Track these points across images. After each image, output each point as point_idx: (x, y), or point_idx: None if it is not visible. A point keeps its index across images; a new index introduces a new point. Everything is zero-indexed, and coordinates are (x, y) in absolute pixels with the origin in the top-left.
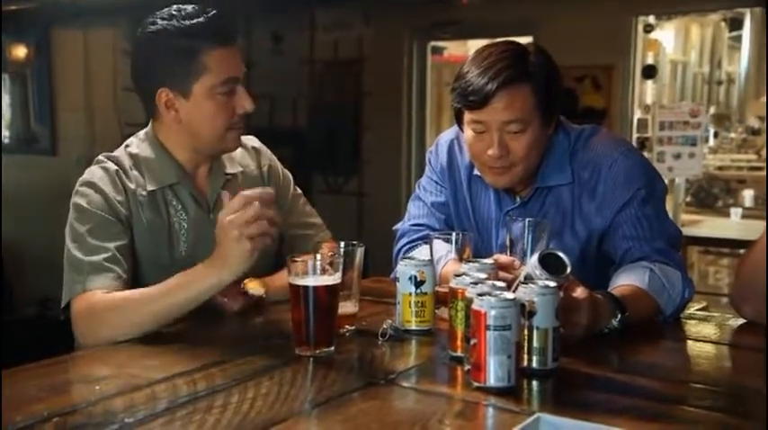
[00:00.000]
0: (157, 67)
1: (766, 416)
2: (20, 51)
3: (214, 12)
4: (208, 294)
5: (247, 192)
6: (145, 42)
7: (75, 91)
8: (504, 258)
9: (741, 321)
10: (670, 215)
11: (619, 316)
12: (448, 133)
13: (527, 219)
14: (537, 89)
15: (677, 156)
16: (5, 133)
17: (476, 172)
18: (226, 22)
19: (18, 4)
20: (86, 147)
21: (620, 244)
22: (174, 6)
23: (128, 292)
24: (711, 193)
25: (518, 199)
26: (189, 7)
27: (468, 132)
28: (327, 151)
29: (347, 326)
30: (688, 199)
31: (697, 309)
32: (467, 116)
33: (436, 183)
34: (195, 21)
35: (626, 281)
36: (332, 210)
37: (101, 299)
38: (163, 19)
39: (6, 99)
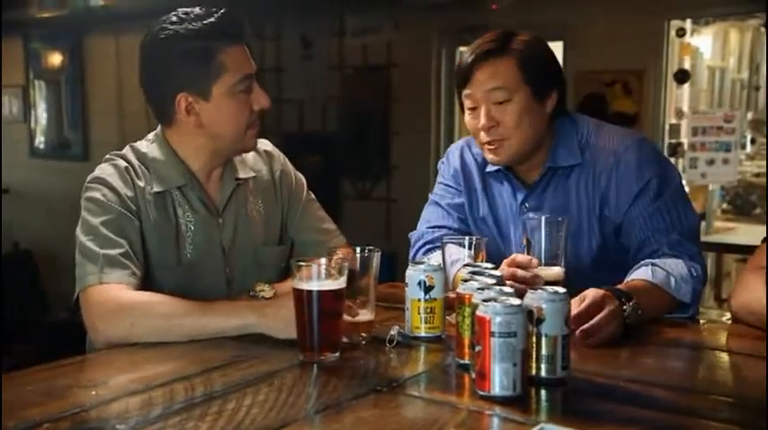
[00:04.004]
0: (174, 72)
1: (766, 424)
2: (53, 58)
3: (222, 11)
4: (237, 332)
5: None
6: (157, 49)
7: (107, 97)
8: (521, 257)
9: None
10: (704, 223)
11: (629, 304)
12: (458, 143)
13: (543, 217)
14: (521, 62)
15: (710, 163)
16: (40, 139)
17: (488, 168)
18: (235, 19)
19: (51, 12)
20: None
21: (636, 235)
22: (181, 10)
23: (161, 296)
24: (749, 201)
25: (530, 187)
26: (196, 9)
27: (465, 114)
28: (356, 156)
29: (363, 334)
30: (724, 206)
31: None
32: (462, 96)
33: (449, 186)
34: (207, 21)
35: (632, 278)
36: (360, 215)
37: (126, 294)
38: (173, 23)
39: (41, 105)
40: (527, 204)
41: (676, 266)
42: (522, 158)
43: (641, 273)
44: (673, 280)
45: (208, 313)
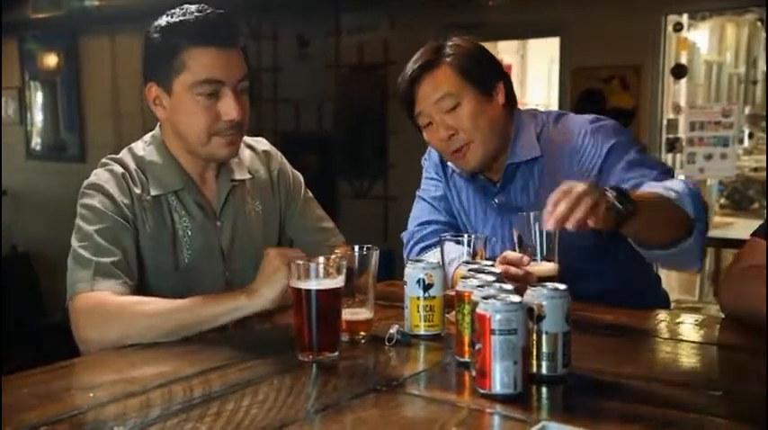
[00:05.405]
0: (146, 62)
1: (766, 419)
2: (49, 59)
3: (211, 12)
4: (227, 316)
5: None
6: (144, 39)
7: (104, 98)
8: (512, 255)
9: None
10: None
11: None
12: None
13: (532, 213)
14: (457, 66)
15: (709, 157)
16: (36, 141)
17: (451, 165)
18: (218, 23)
19: (46, 13)
20: (115, 154)
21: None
22: (183, 6)
23: (149, 297)
24: (746, 195)
25: (497, 185)
26: (193, 7)
27: (423, 133)
28: (353, 155)
29: (362, 333)
30: (722, 201)
31: None
32: (414, 117)
33: (432, 179)
34: (183, 18)
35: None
36: (358, 214)
37: (114, 299)
38: (166, 16)
39: (37, 107)
40: (496, 200)
41: (671, 183)
42: (490, 160)
43: (640, 191)
44: (674, 192)
45: (199, 303)
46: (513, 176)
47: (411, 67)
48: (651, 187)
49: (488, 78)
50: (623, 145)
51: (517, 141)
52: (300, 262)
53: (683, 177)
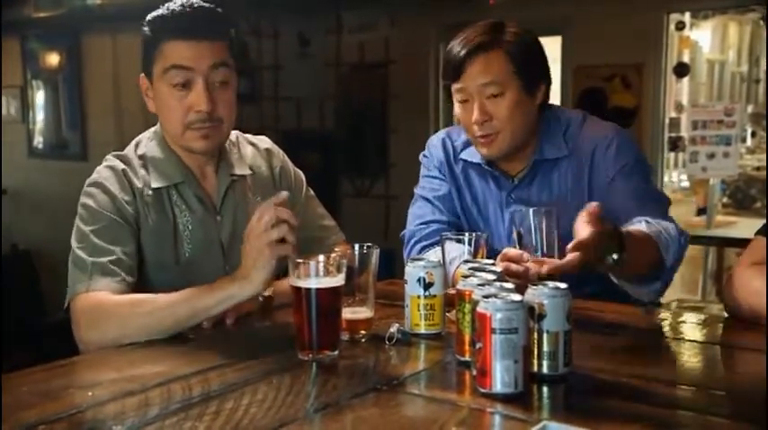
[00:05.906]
0: (143, 54)
1: (766, 418)
2: (51, 58)
3: (190, 6)
4: (223, 304)
5: (263, 205)
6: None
7: (105, 96)
8: (512, 251)
9: None
10: (705, 217)
11: (616, 256)
12: (438, 134)
13: (531, 209)
14: (512, 56)
15: (711, 156)
16: (38, 139)
17: (464, 156)
18: (196, 16)
19: (48, 11)
20: (117, 151)
21: (616, 212)
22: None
23: (143, 295)
24: (749, 195)
25: (515, 180)
26: (179, 1)
27: (456, 106)
28: (354, 154)
29: (362, 332)
30: (725, 200)
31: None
32: (453, 89)
33: (434, 178)
34: (165, 12)
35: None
36: (359, 212)
37: (111, 298)
38: (162, 8)
39: (39, 105)
40: (513, 196)
41: (668, 226)
42: (512, 152)
43: (636, 226)
44: (663, 237)
45: (191, 297)
46: (535, 173)
47: (466, 42)
48: (647, 226)
49: (535, 77)
50: (632, 170)
51: (544, 139)
52: (301, 260)
53: (685, 177)
